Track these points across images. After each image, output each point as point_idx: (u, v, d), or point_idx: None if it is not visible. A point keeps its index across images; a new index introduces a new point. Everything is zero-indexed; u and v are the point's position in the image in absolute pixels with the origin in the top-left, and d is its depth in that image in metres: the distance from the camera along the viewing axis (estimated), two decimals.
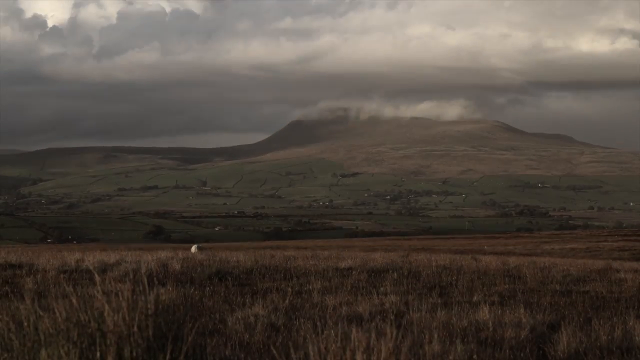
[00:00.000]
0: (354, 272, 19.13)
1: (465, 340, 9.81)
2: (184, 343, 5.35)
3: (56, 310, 5.41)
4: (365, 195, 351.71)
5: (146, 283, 5.60)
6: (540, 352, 9.55)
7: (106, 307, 5.39)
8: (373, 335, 5.31)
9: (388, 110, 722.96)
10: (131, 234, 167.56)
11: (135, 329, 5.30)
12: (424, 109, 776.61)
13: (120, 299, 5.42)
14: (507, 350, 9.43)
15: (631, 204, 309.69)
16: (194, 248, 37.07)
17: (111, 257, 22.13)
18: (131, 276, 5.84)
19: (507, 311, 12.07)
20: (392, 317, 11.65)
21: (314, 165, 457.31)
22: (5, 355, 5.28)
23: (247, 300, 13.38)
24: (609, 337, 10.22)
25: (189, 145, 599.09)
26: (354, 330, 5.36)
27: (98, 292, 5.51)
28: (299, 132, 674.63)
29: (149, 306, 5.44)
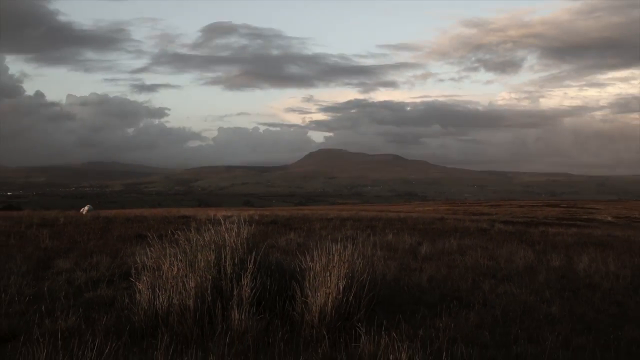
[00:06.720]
0: (334, 220, 19.11)
1: (382, 249, 9.85)
2: (260, 251, 5.39)
3: (205, 235, 5.46)
4: (340, 187, 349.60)
5: (243, 225, 5.66)
6: (414, 254, 9.59)
7: (226, 235, 5.44)
8: (342, 247, 5.35)
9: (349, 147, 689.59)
10: (236, 203, 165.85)
11: (239, 245, 5.35)
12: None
13: (232, 231, 5.48)
14: (400, 252, 9.47)
15: (466, 195, 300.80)
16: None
17: (228, 213, 22.04)
18: (236, 221, 5.90)
19: (399, 236, 12.11)
20: (351, 240, 11.68)
21: (317, 174, 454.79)
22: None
23: (287, 232, 13.39)
24: (444, 247, 10.28)
25: (259, 164, 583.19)
26: (334, 245, 5.39)
27: (223, 229, 5.57)
28: (312, 158, 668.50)
29: (245, 234, 5.49)
